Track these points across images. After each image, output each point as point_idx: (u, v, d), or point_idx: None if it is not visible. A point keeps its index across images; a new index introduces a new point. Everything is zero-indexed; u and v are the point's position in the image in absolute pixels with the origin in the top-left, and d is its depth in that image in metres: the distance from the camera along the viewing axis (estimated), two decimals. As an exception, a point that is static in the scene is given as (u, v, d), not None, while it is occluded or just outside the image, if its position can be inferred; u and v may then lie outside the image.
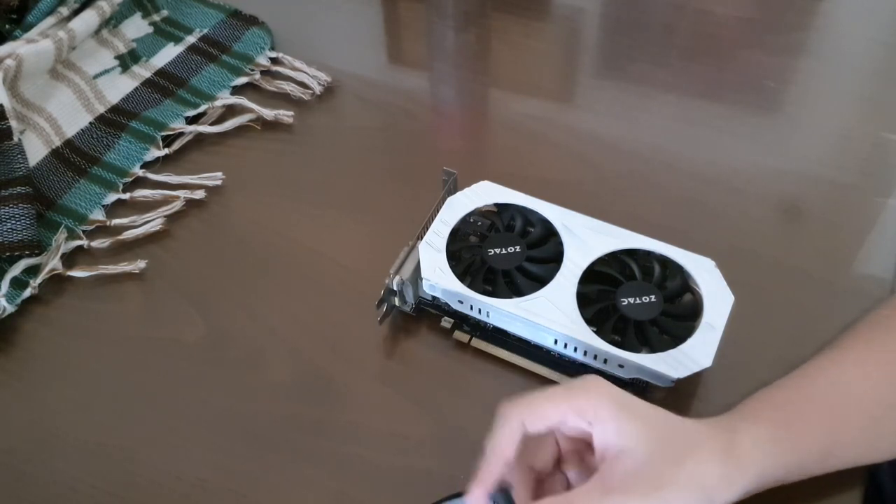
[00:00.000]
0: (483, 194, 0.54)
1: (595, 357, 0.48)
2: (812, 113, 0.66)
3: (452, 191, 0.55)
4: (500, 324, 0.50)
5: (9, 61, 0.63)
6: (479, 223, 0.54)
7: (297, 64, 0.70)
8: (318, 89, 0.69)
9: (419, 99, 0.70)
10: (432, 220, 0.53)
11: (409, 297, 0.52)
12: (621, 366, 0.47)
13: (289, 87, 0.69)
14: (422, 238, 0.52)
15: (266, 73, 0.70)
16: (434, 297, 0.52)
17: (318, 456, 0.47)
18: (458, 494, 0.44)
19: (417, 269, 0.51)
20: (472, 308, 0.50)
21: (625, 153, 0.63)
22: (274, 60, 0.71)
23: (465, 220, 0.53)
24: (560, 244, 0.51)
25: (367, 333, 0.53)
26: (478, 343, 0.51)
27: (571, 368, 0.50)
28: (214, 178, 0.62)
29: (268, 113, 0.66)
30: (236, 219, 0.60)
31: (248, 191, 0.62)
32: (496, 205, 0.54)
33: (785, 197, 0.60)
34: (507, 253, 0.51)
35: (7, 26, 0.70)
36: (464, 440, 0.48)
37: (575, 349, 0.48)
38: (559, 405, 0.38)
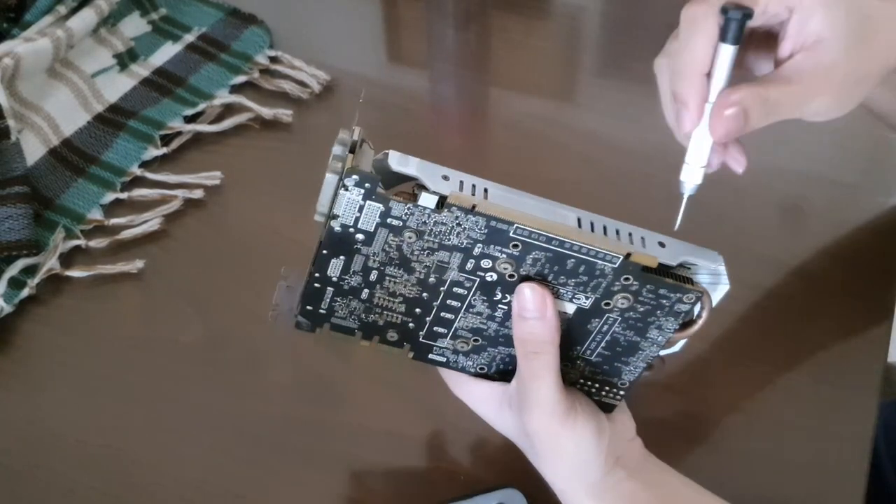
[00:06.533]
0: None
1: (630, 235, 0.39)
2: (813, 112, 0.66)
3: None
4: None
5: (6, 60, 0.63)
6: None
7: (296, 63, 0.70)
8: (317, 88, 0.68)
9: (419, 98, 0.69)
10: None
11: None
12: (662, 244, 0.39)
13: (288, 86, 0.68)
14: None
15: (265, 71, 0.70)
16: None
17: (318, 456, 0.47)
18: (463, 496, 0.44)
19: None
20: None
21: (626, 152, 0.63)
22: (273, 59, 0.71)
23: None
24: None
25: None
26: None
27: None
28: (213, 178, 0.62)
29: (266, 112, 0.66)
30: (235, 218, 0.60)
31: (246, 190, 0.62)
32: None
33: (786, 196, 0.60)
34: None
35: (5, 25, 0.70)
36: (464, 440, 0.48)
37: (605, 228, 0.39)
38: None
